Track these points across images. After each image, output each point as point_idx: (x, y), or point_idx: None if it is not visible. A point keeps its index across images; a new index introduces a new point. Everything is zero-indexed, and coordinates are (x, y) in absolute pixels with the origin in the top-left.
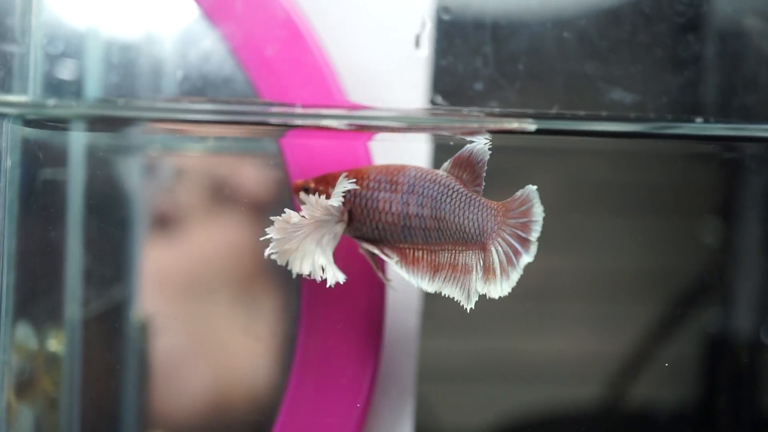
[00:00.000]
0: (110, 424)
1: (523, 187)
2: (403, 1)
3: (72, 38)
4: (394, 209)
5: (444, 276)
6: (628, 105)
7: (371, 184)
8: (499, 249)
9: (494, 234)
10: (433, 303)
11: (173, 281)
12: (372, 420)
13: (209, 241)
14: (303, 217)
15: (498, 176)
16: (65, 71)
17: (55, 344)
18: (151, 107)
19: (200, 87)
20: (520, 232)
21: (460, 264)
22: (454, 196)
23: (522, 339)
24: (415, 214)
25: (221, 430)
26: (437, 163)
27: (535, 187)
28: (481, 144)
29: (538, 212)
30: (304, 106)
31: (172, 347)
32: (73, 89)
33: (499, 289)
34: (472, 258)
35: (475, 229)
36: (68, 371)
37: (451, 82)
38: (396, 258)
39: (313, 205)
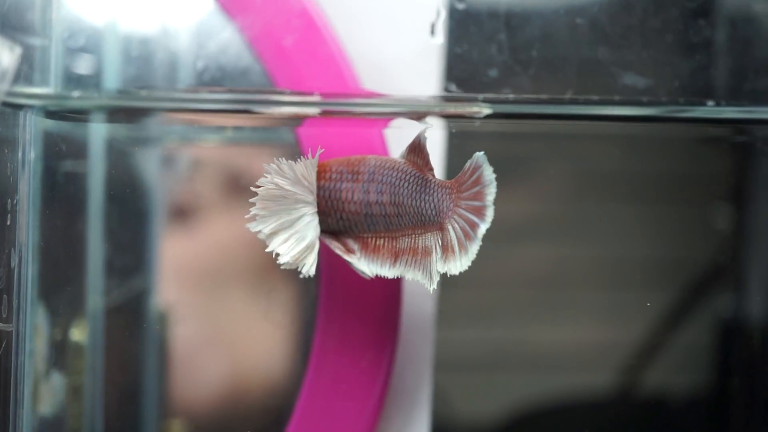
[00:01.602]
0: (132, 412)
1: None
2: None
3: (91, 32)
4: (356, 198)
5: (405, 261)
6: (641, 89)
7: (333, 176)
8: (456, 226)
9: (450, 212)
10: (448, 292)
11: (191, 271)
12: (389, 406)
13: (226, 231)
14: (276, 183)
15: (507, 164)
16: (84, 64)
17: (77, 334)
18: (170, 98)
19: (217, 78)
20: (473, 202)
21: (420, 247)
22: (410, 180)
23: (536, 328)
24: (375, 201)
25: (239, 417)
26: (451, 148)
27: (482, 152)
28: (424, 130)
29: (487, 174)
30: (322, 95)
31: (190, 336)
32: (92, 82)
33: (459, 264)
34: (431, 240)
35: (431, 210)
36: (91, 360)
37: (467, 69)
38: (356, 255)
39: (284, 170)
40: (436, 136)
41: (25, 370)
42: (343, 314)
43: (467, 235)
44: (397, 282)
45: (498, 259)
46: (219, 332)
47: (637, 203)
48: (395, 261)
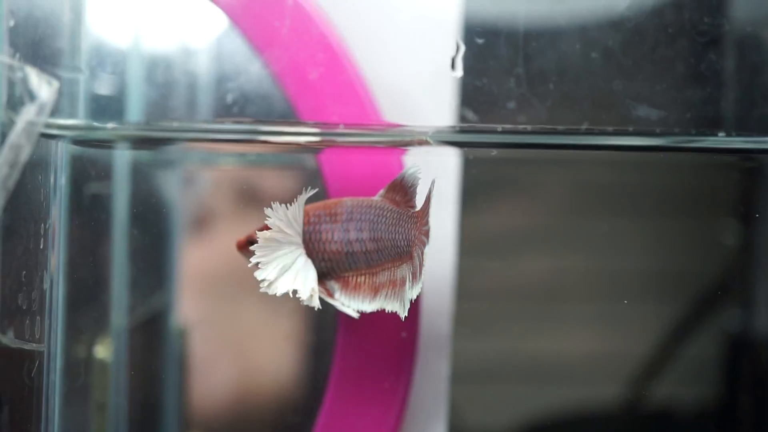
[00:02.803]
0: (153, 426)
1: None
2: (433, 26)
3: (116, 59)
4: (336, 237)
5: (385, 294)
6: (654, 121)
7: (312, 220)
8: (418, 252)
9: (416, 240)
10: (464, 307)
11: (210, 288)
12: (407, 419)
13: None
14: (273, 230)
15: (509, 184)
16: (110, 91)
17: (102, 351)
18: (195, 128)
19: (241, 105)
20: (426, 227)
21: (398, 279)
22: (387, 215)
23: (546, 340)
24: (355, 239)
25: (257, 431)
26: (466, 175)
27: (434, 178)
28: (411, 169)
29: (430, 198)
30: (345, 126)
31: (209, 352)
32: (118, 107)
33: (416, 289)
34: (406, 270)
35: (403, 242)
36: (115, 377)
37: (486, 101)
38: (337, 298)
39: (281, 215)
40: (451, 163)
41: (56, 389)
42: (363, 330)
43: (422, 259)
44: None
45: (511, 273)
46: (238, 348)
47: (649, 220)
48: (375, 295)
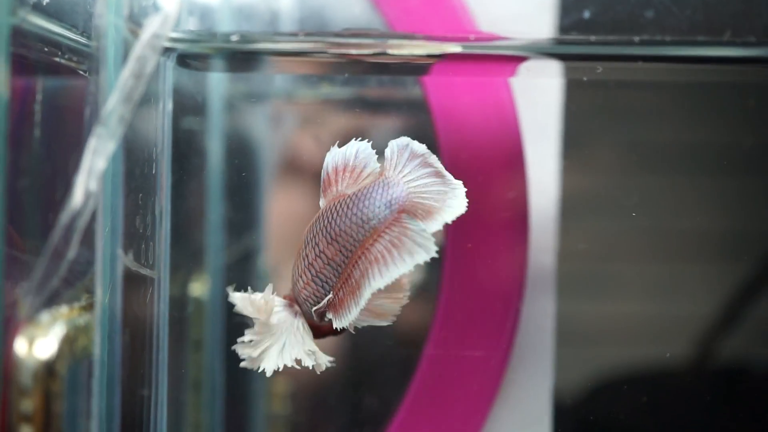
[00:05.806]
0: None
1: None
2: None
3: None
4: (304, 277)
5: (371, 275)
6: None
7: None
8: (422, 191)
9: (406, 191)
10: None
11: (296, 225)
12: (514, 362)
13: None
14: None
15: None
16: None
17: (198, 288)
18: (294, 40)
19: (331, 22)
20: (426, 169)
21: (377, 254)
22: (338, 209)
23: (619, 300)
24: (314, 257)
25: (367, 369)
26: (569, 97)
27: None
28: (329, 156)
29: (419, 149)
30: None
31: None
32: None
33: (457, 204)
34: (388, 237)
35: (369, 213)
36: (210, 315)
37: (623, 10)
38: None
39: (252, 304)
40: (553, 85)
41: (166, 319)
42: (469, 268)
43: (443, 182)
44: (523, 233)
45: (587, 232)
46: None
47: (714, 177)
48: (362, 289)
